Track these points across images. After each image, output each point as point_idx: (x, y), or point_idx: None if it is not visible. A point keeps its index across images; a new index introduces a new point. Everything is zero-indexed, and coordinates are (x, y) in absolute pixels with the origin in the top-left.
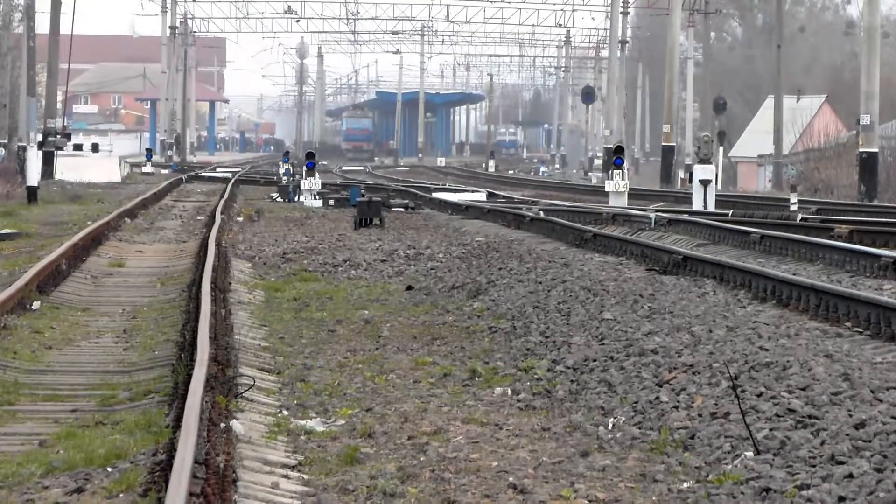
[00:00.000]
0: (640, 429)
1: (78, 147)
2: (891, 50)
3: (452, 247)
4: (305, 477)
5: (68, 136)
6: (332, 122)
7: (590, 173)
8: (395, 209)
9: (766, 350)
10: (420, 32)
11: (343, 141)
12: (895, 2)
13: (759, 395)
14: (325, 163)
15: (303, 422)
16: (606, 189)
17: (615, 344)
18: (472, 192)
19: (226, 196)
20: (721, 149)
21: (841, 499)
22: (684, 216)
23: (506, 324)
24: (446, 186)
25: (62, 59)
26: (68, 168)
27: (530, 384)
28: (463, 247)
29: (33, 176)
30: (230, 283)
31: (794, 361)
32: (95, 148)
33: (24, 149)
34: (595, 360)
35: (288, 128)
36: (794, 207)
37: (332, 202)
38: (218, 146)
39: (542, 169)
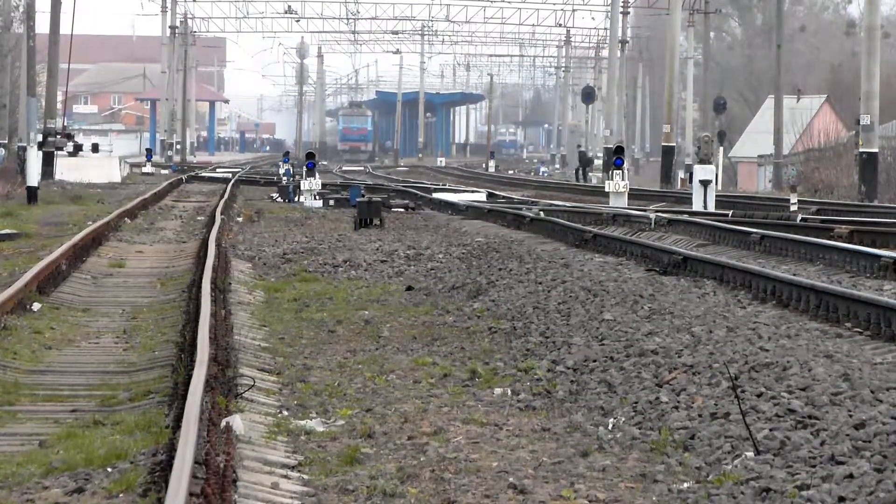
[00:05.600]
0: (640, 429)
1: (78, 147)
2: (891, 50)
3: (452, 247)
4: (305, 477)
5: (68, 137)
6: (333, 122)
7: (590, 173)
8: (395, 209)
9: (767, 350)
10: (420, 32)
11: (339, 141)
12: (895, 2)
13: (759, 396)
14: (325, 163)
15: (303, 422)
16: (606, 189)
17: (615, 344)
18: (472, 192)
19: (226, 196)
20: (721, 149)
21: (841, 499)
22: (684, 216)
23: (506, 324)
24: (446, 187)
25: (62, 59)
26: (68, 168)
27: (530, 384)
28: (463, 247)
29: (33, 176)
30: (230, 284)
31: (794, 362)
32: (95, 148)
33: (24, 149)
34: (595, 361)
35: (288, 128)
36: (794, 208)
37: (332, 202)
38: (220, 146)
39: (542, 169)
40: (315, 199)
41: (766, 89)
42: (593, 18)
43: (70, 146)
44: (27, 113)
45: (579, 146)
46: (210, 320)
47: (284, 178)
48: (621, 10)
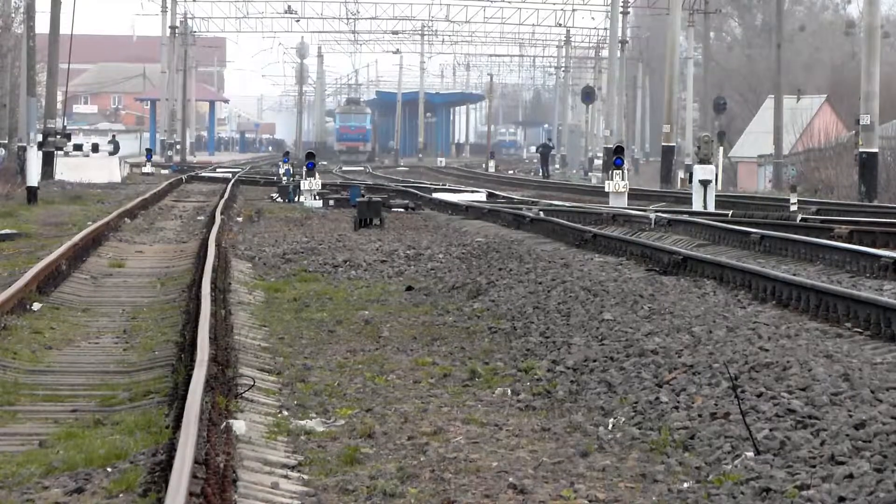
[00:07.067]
0: (640, 429)
1: (78, 147)
2: (891, 50)
3: (452, 247)
4: (305, 477)
5: (68, 137)
6: (333, 123)
7: (590, 173)
8: (395, 209)
9: (766, 350)
10: (420, 32)
11: (336, 141)
12: (895, 2)
13: (759, 396)
14: (325, 163)
15: (303, 422)
16: (606, 189)
17: (615, 344)
18: (472, 192)
19: (226, 196)
20: (721, 149)
21: (841, 499)
22: (684, 216)
23: (506, 324)
24: (446, 187)
25: (62, 59)
26: (68, 168)
27: (530, 384)
28: (463, 247)
29: (33, 176)
30: (230, 284)
31: (794, 362)
32: (95, 148)
33: (24, 149)
34: (595, 361)
35: (288, 128)
36: (794, 208)
37: (331, 202)
38: (219, 146)
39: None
40: (315, 199)
41: (766, 89)
42: (593, 18)
43: (70, 146)
44: (27, 113)
45: (549, 139)
46: (210, 320)
47: (284, 178)
48: (621, 10)
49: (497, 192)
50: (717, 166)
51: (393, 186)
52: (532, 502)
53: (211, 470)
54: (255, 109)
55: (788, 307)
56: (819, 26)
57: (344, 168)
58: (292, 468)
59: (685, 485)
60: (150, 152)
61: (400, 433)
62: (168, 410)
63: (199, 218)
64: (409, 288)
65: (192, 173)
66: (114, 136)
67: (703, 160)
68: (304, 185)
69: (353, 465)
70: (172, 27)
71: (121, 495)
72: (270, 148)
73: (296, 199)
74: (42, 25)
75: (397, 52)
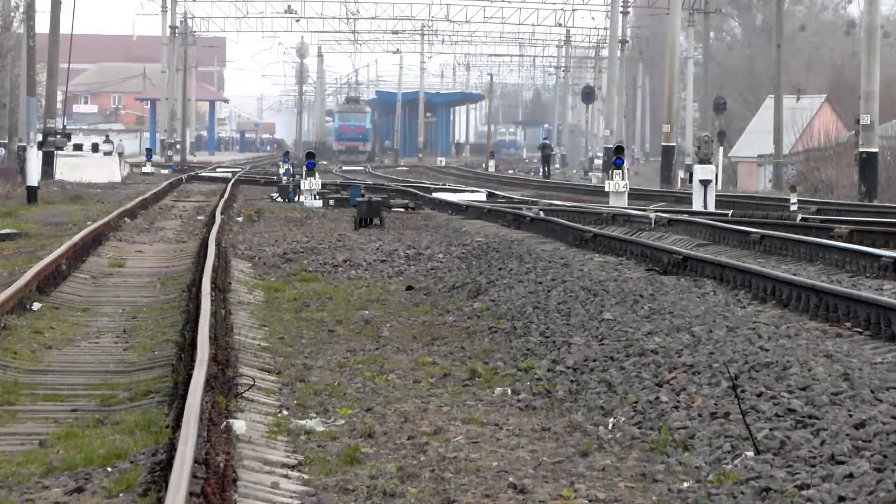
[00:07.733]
0: (640, 429)
1: (78, 147)
2: (891, 50)
3: (452, 247)
4: (305, 477)
5: (68, 136)
6: (332, 123)
7: (590, 173)
8: (396, 209)
9: (766, 350)
10: (420, 32)
11: (335, 141)
12: (895, 2)
13: (759, 395)
14: (325, 163)
15: (303, 422)
16: (606, 189)
17: (615, 344)
18: (472, 192)
19: (226, 196)
20: (721, 149)
21: (841, 499)
22: (684, 216)
23: (506, 324)
24: (446, 186)
25: (62, 58)
26: (68, 168)
27: (530, 384)
28: (463, 247)
29: (33, 176)
30: (230, 284)
31: (794, 361)
32: (95, 148)
33: (24, 149)
34: (595, 361)
35: (288, 128)
36: (794, 207)
37: (332, 202)
38: (219, 146)
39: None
40: (315, 198)
41: (766, 89)
42: (593, 18)
43: (70, 146)
44: (27, 113)
45: (545, 138)
46: (210, 320)
47: (284, 177)
48: (621, 9)
49: (497, 192)
50: (717, 166)
51: (393, 186)
52: (532, 502)
53: (211, 469)
54: (255, 109)
55: (788, 307)
56: (819, 26)
57: (344, 168)
58: (292, 468)
59: (685, 484)
60: (150, 152)
61: (400, 433)
62: (168, 410)
63: (199, 217)
64: (409, 288)
65: (192, 173)
66: (108, 136)
67: (703, 160)
68: (304, 184)
69: (353, 465)
70: (172, 27)
71: (121, 495)
72: (269, 148)
73: (296, 198)
74: (42, 25)
75: (397, 51)
